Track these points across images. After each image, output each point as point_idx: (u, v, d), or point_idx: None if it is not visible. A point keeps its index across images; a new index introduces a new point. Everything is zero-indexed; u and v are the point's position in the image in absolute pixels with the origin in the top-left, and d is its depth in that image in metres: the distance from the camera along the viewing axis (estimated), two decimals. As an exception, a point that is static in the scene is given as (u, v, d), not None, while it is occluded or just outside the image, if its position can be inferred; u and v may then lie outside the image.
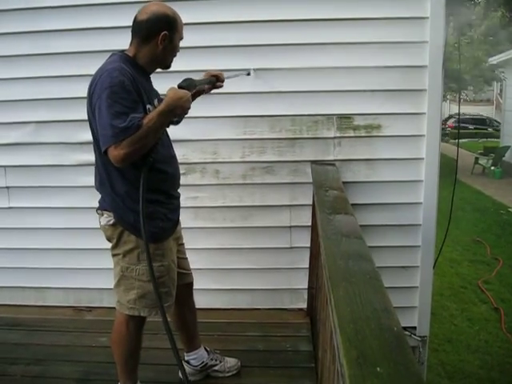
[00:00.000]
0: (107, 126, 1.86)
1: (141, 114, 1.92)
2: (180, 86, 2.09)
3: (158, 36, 2.02)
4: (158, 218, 2.11)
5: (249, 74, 2.76)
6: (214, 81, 2.40)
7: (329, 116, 3.14)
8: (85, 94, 3.05)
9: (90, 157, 3.14)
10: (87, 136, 3.09)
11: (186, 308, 2.52)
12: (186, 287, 2.47)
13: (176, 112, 2.01)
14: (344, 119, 3.14)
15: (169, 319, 2.45)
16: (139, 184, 2.01)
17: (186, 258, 2.48)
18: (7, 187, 3.37)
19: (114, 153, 1.87)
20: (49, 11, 3.10)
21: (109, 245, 2.19)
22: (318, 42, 3.04)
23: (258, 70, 3.08)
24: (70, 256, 3.40)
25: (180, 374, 2.59)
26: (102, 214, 2.14)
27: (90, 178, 3.14)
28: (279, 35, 3.04)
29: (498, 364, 5.10)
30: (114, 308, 2.26)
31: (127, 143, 1.85)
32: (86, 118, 3.04)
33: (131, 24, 2.04)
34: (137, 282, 2.13)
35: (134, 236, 2.09)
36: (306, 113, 3.14)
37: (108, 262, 2.25)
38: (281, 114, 3.14)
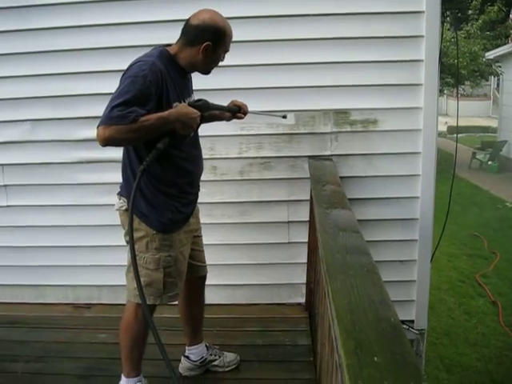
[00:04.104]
0: (110, 106, 1.90)
1: (146, 110, 1.92)
2: (191, 105, 2.09)
3: (201, 44, 2.03)
4: (168, 210, 2.14)
5: (285, 117, 2.69)
6: (236, 110, 2.38)
7: (325, 111, 3.14)
8: (82, 91, 3.10)
9: (88, 154, 3.20)
10: (84, 133, 3.15)
11: (196, 302, 2.54)
12: (199, 280, 2.51)
13: (175, 125, 2.00)
14: (341, 114, 3.14)
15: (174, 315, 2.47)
16: (157, 176, 2.08)
17: (203, 251, 2.50)
18: (5, 185, 3.37)
19: (100, 132, 1.89)
20: (44, 9, 3.09)
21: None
22: (314, 38, 3.04)
23: (253, 65, 3.09)
24: (69, 253, 3.39)
25: (180, 369, 2.60)
26: (119, 199, 2.19)
27: (88, 176, 3.20)
28: (275, 30, 3.04)
29: (495, 357, 5.13)
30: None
31: (116, 129, 1.88)
32: (83, 115, 3.10)
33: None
34: (144, 270, 2.15)
35: (145, 224, 2.13)
36: (303, 108, 3.14)
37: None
38: (277, 110, 3.14)
